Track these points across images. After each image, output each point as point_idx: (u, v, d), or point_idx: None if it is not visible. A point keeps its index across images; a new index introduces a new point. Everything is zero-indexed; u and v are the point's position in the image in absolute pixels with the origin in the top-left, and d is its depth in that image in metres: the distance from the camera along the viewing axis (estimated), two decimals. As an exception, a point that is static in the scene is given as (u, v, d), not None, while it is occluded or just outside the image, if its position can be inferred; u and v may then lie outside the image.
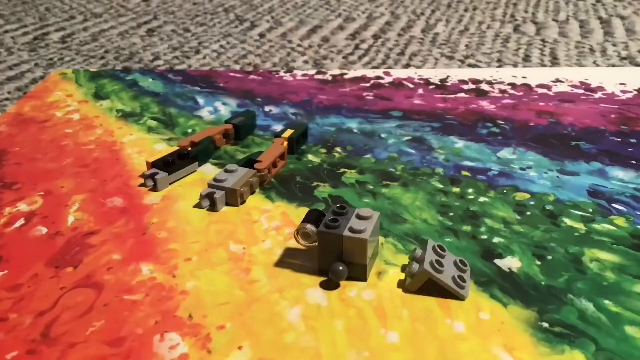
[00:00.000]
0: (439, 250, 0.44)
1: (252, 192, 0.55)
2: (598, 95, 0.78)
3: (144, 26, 1.17)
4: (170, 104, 0.76)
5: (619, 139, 0.66)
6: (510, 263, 0.46)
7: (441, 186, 0.57)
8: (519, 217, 0.52)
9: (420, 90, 0.81)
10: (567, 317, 0.40)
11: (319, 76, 0.86)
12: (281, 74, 0.88)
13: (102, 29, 1.14)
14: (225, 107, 0.75)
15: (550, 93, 0.79)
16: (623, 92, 0.79)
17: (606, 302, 0.42)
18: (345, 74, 0.87)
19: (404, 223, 0.51)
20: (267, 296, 0.43)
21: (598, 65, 0.92)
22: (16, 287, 0.44)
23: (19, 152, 0.64)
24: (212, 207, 0.53)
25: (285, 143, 0.61)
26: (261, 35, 1.11)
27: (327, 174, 0.59)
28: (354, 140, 0.66)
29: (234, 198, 0.53)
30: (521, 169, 0.60)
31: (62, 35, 1.11)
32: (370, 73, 0.87)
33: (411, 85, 0.83)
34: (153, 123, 0.71)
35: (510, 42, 1.04)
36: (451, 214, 0.52)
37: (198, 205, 0.54)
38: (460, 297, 0.42)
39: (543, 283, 0.44)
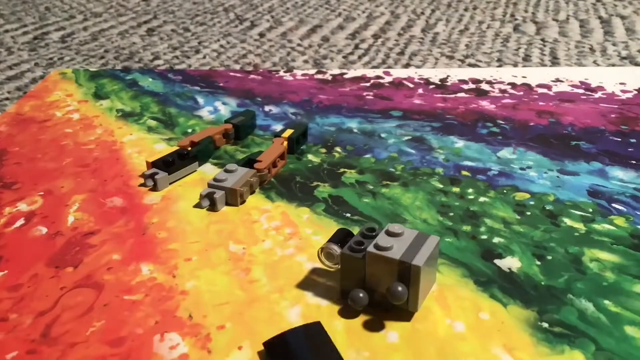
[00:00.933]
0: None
1: (252, 192, 0.55)
2: (598, 95, 0.78)
3: (143, 26, 1.17)
4: (170, 104, 0.76)
5: (619, 139, 0.66)
6: (510, 263, 0.46)
7: (441, 186, 0.57)
8: (519, 217, 0.52)
9: (420, 90, 0.81)
10: (567, 317, 0.40)
11: (319, 76, 0.86)
12: (281, 73, 0.88)
13: (102, 29, 1.14)
14: (225, 107, 0.75)
15: (551, 93, 0.79)
16: (623, 91, 0.79)
17: (606, 302, 0.42)
18: (345, 73, 0.87)
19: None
20: (267, 296, 0.43)
21: (598, 65, 0.92)
22: (16, 287, 0.44)
23: (19, 152, 0.64)
24: (212, 207, 0.53)
25: (285, 143, 0.61)
26: (261, 34, 1.10)
27: (327, 174, 0.59)
28: (354, 140, 0.66)
29: (234, 198, 0.53)
30: (521, 168, 0.60)
31: (62, 34, 1.10)
32: (370, 73, 0.87)
33: (411, 85, 0.83)
34: (153, 123, 0.71)
35: (511, 42, 1.04)
36: (451, 214, 0.52)
37: (198, 205, 0.54)
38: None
39: (543, 283, 0.44)
